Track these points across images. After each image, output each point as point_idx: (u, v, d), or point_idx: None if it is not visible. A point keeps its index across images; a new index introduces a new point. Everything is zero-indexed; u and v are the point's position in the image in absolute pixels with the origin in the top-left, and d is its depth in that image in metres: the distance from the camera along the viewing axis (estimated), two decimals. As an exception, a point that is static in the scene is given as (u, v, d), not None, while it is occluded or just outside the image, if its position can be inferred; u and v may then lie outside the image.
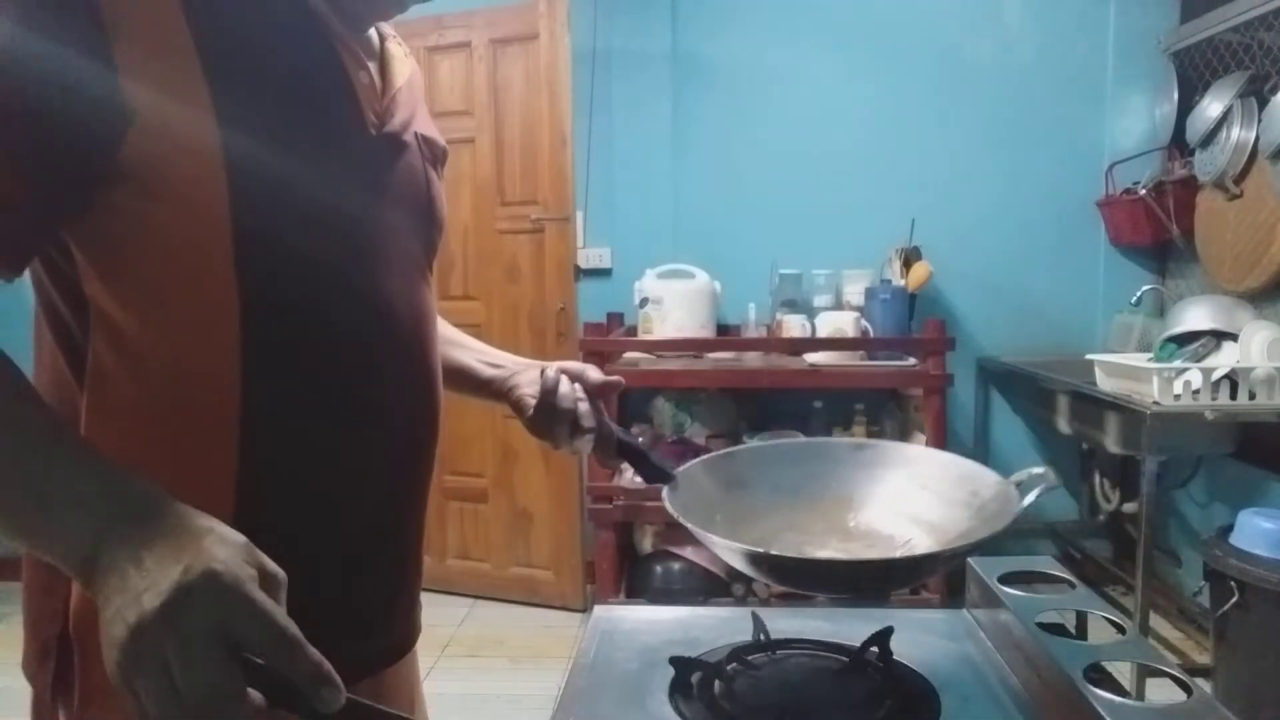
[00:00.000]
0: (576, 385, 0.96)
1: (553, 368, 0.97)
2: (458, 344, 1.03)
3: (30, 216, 0.61)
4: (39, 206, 0.61)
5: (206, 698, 0.46)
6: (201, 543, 0.50)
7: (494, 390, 1.01)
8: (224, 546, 0.51)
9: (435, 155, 0.88)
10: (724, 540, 0.78)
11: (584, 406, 0.95)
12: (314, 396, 0.72)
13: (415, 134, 0.84)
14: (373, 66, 0.80)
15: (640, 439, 0.85)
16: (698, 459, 0.96)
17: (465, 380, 1.02)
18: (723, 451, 0.98)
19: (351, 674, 0.77)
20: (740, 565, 0.79)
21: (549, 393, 0.94)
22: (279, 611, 0.50)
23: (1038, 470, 0.87)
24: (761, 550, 0.77)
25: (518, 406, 0.98)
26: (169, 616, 0.47)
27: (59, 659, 0.68)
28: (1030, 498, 0.82)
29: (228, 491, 0.67)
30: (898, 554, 0.85)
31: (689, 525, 0.79)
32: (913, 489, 0.92)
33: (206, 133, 0.64)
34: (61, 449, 0.57)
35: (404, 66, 0.86)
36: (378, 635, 0.81)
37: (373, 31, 0.84)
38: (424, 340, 0.82)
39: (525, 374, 1.00)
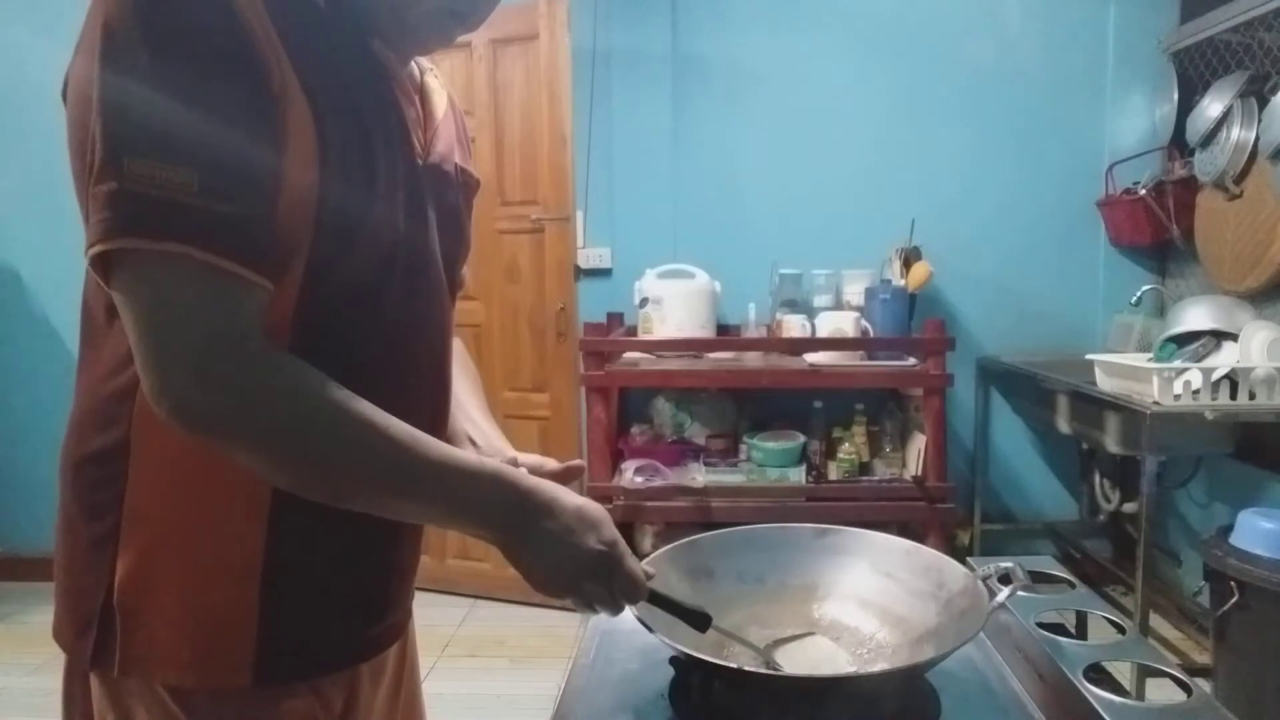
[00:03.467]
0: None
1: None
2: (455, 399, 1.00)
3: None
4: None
5: (628, 592, 0.79)
6: (595, 515, 0.79)
7: None
8: (606, 518, 0.80)
9: (469, 186, 0.94)
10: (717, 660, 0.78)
11: None
12: None
13: (454, 165, 0.90)
14: (416, 99, 0.87)
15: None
16: (665, 548, 0.95)
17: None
18: (687, 540, 0.96)
19: (366, 652, 0.88)
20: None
21: None
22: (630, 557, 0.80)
23: (1005, 564, 0.86)
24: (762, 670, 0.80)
25: None
26: (605, 553, 0.78)
27: (100, 629, 0.74)
28: (1001, 598, 0.81)
29: (264, 496, 0.75)
30: (873, 669, 0.83)
31: (678, 649, 0.79)
32: (877, 578, 0.92)
33: (312, 169, 0.72)
34: (460, 465, 0.76)
35: (441, 99, 0.91)
36: (388, 617, 0.87)
37: (413, 65, 0.89)
38: (444, 359, 0.90)
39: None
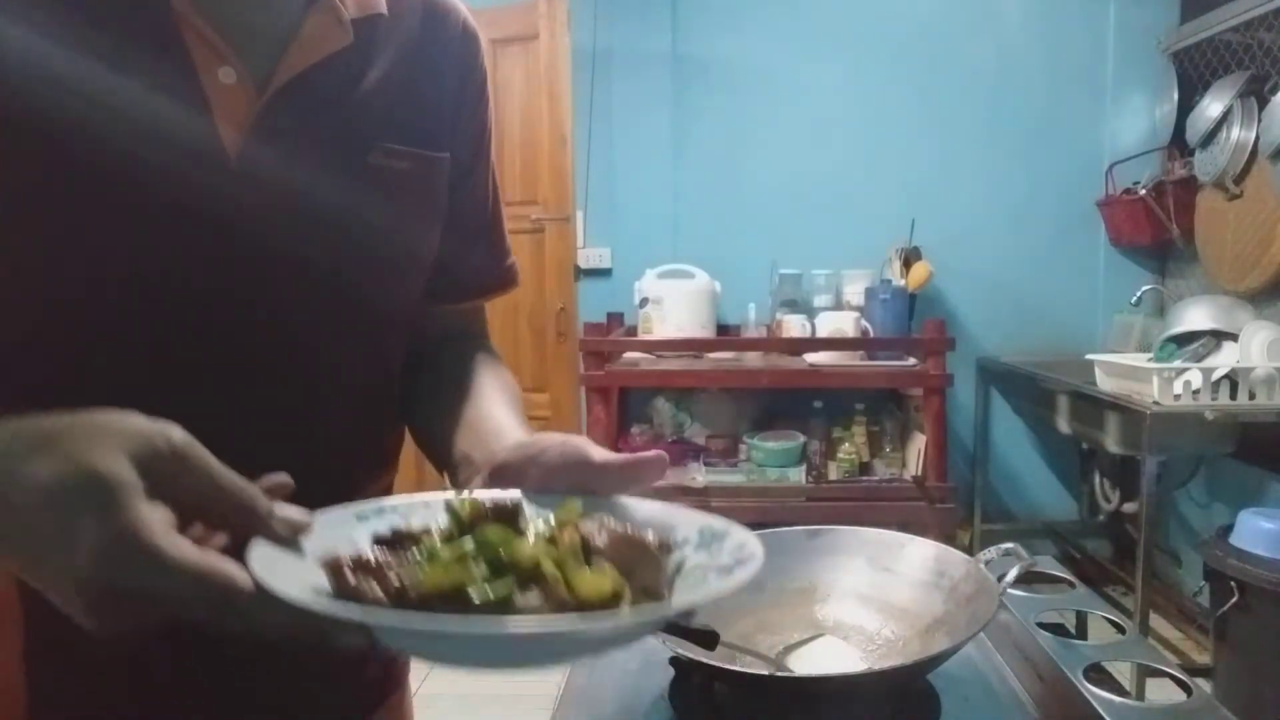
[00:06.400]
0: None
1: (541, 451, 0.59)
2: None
3: None
4: None
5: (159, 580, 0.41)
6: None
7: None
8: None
9: (399, 172, 0.67)
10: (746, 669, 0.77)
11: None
12: None
13: (362, 146, 0.64)
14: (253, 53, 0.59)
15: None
16: None
17: None
18: None
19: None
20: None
21: None
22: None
23: (1006, 546, 0.86)
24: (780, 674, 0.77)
25: None
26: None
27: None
28: (1010, 577, 0.81)
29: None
30: (893, 662, 0.83)
31: (679, 650, 0.77)
32: (876, 573, 0.91)
33: None
34: None
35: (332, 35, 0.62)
36: None
37: None
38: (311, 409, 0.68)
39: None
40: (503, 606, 0.43)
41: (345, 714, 0.73)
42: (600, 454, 0.56)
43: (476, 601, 0.43)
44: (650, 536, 0.51)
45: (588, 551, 0.48)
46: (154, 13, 0.56)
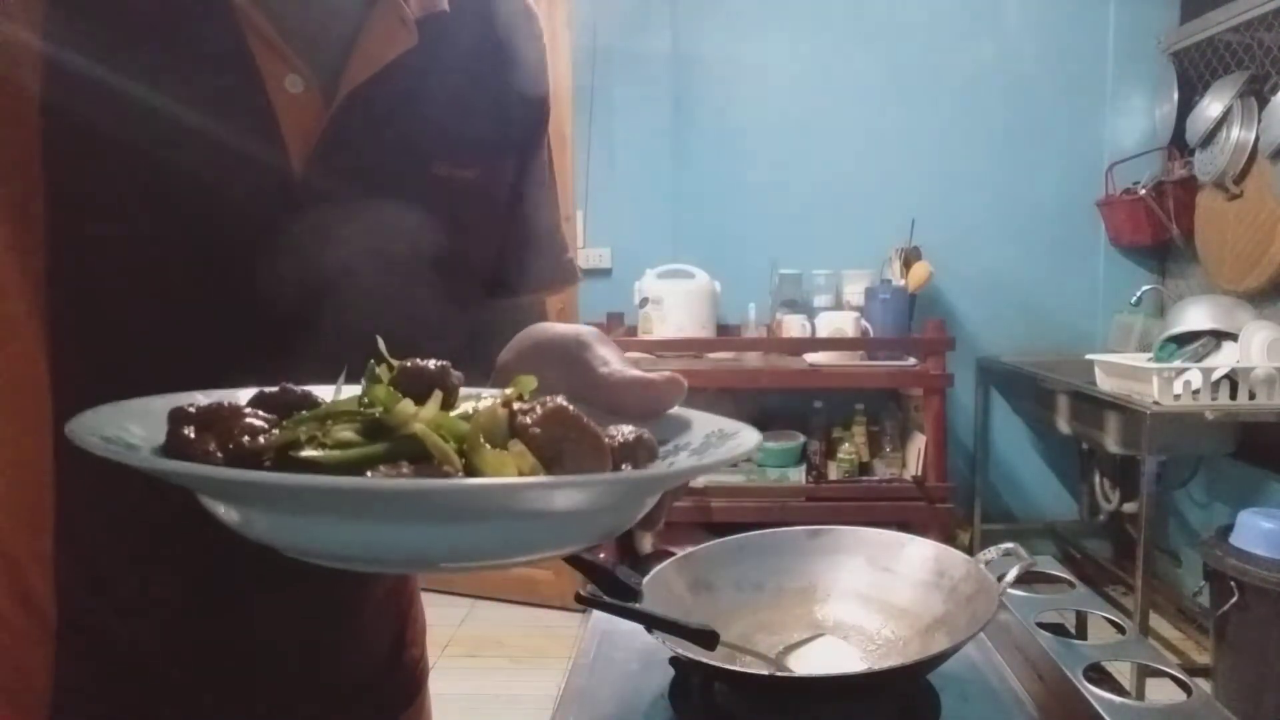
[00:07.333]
0: None
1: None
2: None
3: None
4: None
5: None
6: None
7: None
8: None
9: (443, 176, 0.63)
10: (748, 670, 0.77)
11: None
12: None
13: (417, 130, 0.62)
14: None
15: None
16: (660, 567, 0.94)
17: None
18: (681, 556, 0.96)
19: None
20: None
21: None
22: None
23: (1006, 546, 0.86)
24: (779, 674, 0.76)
25: None
26: None
27: None
28: (1010, 577, 0.81)
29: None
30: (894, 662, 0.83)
31: (679, 650, 0.77)
32: (875, 573, 0.92)
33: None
34: None
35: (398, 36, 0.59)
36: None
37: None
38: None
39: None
40: (353, 471, 0.35)
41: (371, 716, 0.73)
42: (605, 366, 0.51)
43: (302, 458, 0.36)
44: (639, 435, 0.43)
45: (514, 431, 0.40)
46: (219, 18, 0.53)
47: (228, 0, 0.53)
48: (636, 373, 0.50)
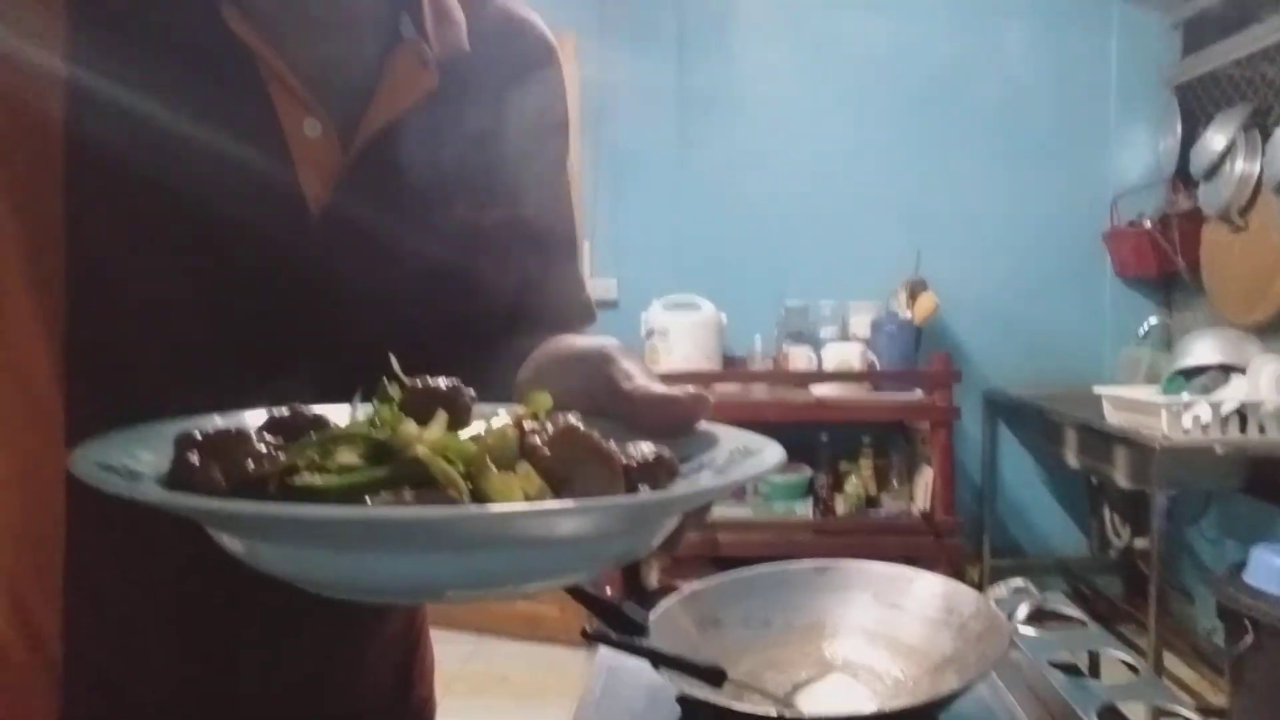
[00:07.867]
0: None
1: None
2: None
3: None
4: None
5: None
6: None
7: None
8: None
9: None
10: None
11: None
12: None
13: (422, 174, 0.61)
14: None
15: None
16: (667, 604, 0.94)
17: None
18: (689, 592, 0.95)
19: None
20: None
21: None
22: None
23: (1017, 583, 0.85)
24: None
25: None
26: None
27: None
28: (1021, 615, 0.80)
29: None
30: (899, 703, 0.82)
31: (685, 690, 0.76)
32: (883, 609, 0.90)
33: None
34: None
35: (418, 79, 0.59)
36: None
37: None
38: None
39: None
40: (354, 497, 0.35)
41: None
42: (629, 381, 0.49)
43: (300, 485, 0.35)
44: (659, 454, 0.41)
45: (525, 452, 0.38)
46: (238, 63, 0.54)
47: (247, 45, 0.53)
48: (661, 389, 0.49)
